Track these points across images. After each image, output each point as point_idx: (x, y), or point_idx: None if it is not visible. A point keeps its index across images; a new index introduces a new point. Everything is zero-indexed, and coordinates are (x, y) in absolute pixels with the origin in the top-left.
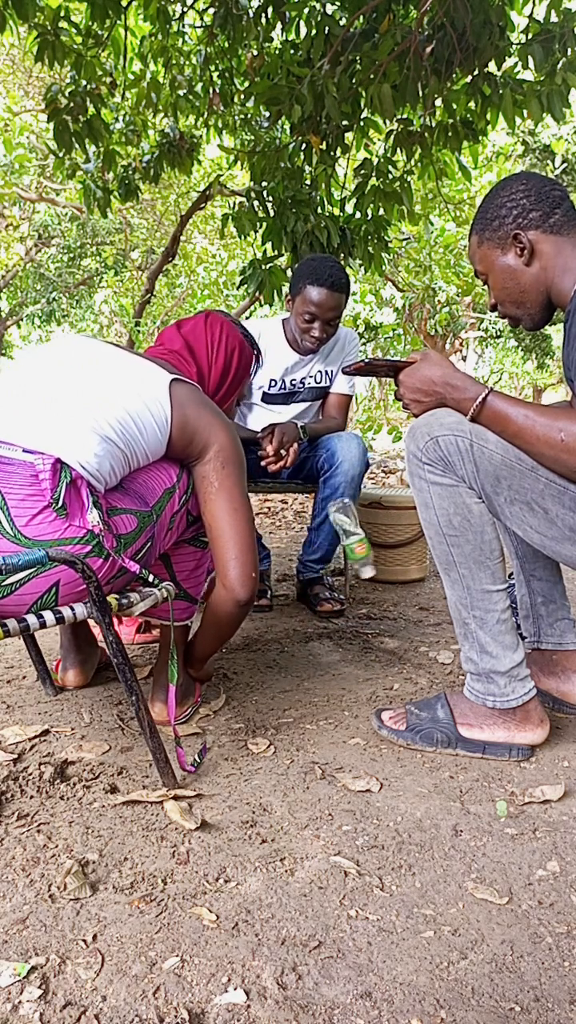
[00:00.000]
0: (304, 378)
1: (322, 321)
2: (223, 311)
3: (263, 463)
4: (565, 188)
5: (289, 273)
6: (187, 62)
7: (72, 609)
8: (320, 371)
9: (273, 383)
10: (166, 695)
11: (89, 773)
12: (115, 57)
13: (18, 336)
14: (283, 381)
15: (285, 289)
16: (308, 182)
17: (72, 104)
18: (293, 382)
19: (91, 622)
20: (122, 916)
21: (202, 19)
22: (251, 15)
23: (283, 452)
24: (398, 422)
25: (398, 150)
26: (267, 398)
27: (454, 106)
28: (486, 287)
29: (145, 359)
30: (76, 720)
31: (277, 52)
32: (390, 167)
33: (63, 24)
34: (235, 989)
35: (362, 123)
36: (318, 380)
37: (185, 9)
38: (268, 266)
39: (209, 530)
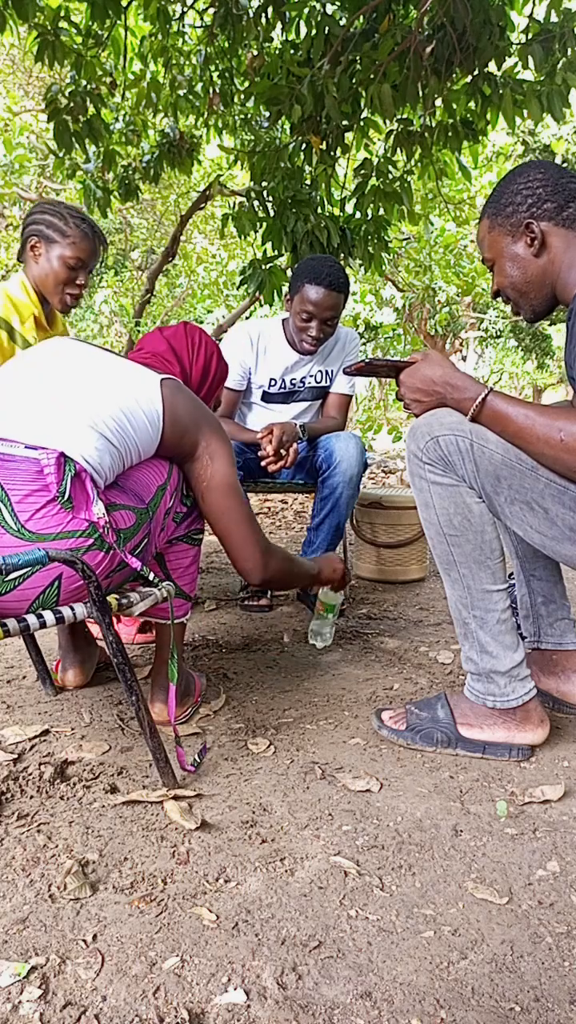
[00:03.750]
0: (304, 377)
1: (319, 321)
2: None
3: (263, 463)
4: None
5: (289, 273)
6: (187, 62)
7: (72, 609)
8: (320, 371)
9: (273, 382)
10: (166, 695)
11: (89, 773)
12: (115, 57)
13: None
14: (283, 380)
15: (285, 289)
16: (308, 182)
17: (72, 104)
18: (293, 381)
19: (91, 622)
20: (122, 916)
21: (202, 19)
22: (251, 15)
23: (283, 452)
24: (398, 422)
25: (398, 150)
26: (267, 397)
27: (454, 106)
28: (491, 273)
29: (129, 361)
30: (76, 720)
31: (277, 52)
32: (390, 167)
33: (63, 24)
34: (235, 989)
35: (362, 123)
36: (318, 380)
37: (185, 9)
38: (268, 266)
39: (211, 526)
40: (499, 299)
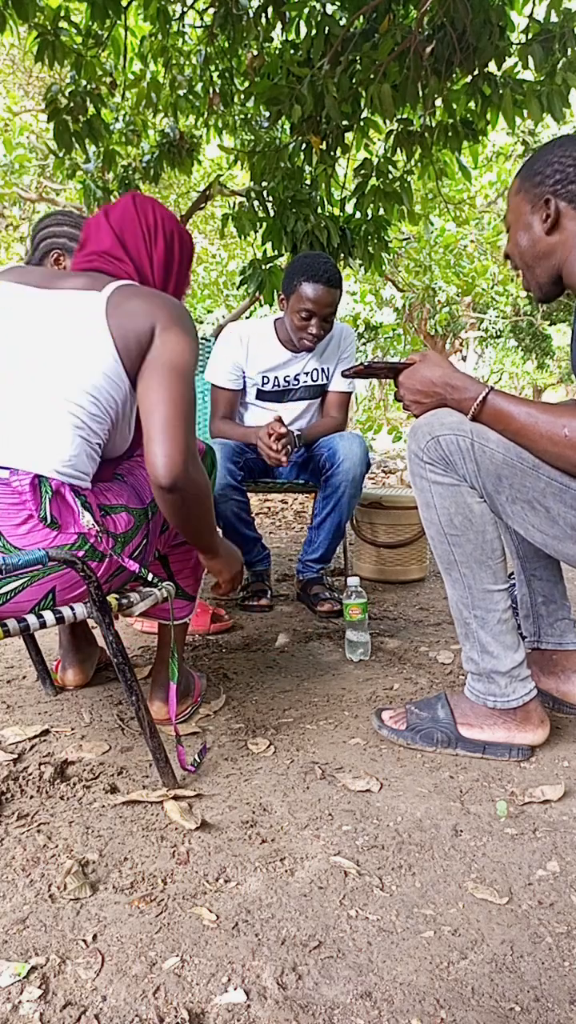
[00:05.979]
0: (298, 375)
1: (319, 318)
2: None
3: (260, 447)
4: None
5: None
6: (187, 62)
7: (72, 609)
8: (316, 369)
9: (266, 380)
10: (166, 694)
11: (89, 773)
12: (115, 57)
13: None
14: (276, 378)
15: None
16: (308, 182)
17: (72, 104)
18: (287, 379)
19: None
20: (122, 916)
21: (202, 19)
22: (251, 15)
23: (282, 447)
24: (398, 422)
25: (398, 150)
26: (261, 395)
27: (454, 106)
28: (507, 235)
29: (72, 291)
30: (76, 720)
31: (277, 52)
32: (390, 167)
33: (63, 24)
34: (235, 989)
35: (362, 123)
36: (314, 378)
37: (185, 9)
38: (268, 266)
39: (139, 407)
40: (509, 263)
